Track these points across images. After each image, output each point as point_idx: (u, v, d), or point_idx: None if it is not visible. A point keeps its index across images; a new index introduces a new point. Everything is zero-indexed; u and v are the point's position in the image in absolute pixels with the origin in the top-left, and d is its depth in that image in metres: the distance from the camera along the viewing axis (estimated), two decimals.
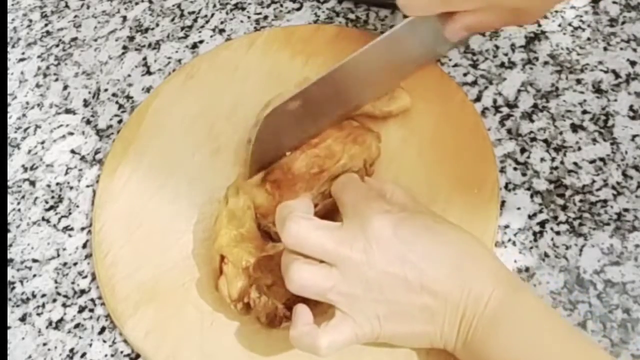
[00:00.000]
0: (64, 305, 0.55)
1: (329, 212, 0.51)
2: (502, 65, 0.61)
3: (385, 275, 0.43)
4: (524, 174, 0.55)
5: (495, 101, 0.59)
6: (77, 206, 0.61)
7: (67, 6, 0.76)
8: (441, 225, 0.46)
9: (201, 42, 0.69)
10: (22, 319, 0.55)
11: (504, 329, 0.42)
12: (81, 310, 0.55)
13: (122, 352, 0.52)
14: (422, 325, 0.44)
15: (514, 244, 0.52)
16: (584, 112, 0.58)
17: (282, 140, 0.54)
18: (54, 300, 0.56)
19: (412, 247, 0.44)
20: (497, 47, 0.62)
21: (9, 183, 0.63)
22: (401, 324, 0.44)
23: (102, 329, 0.54)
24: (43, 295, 0.56)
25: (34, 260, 0.58)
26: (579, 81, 0.59)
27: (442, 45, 0.53)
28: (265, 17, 0.70)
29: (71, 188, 0.62)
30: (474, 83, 0.61)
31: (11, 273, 0.58)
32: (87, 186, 0.62)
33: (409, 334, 0.45)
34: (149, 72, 0.68)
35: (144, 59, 0.69)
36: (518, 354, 0.42)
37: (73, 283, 0.56)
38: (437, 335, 0.44)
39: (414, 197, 0.49)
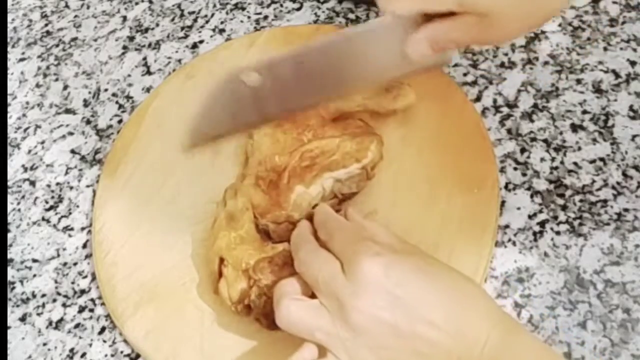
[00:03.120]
0: (64, 305, 0.55)
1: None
2: (502, 65, 0.61)
3: (374, 321, 0.42)
4: (524, 174, 0.55)
5: (495, 101, 0.59)
6: (77, 206, 0.61)
7: (67, 6, 0.76)
8: (433, 267, 0.44)
9: (201, 42, 0.69)
10: (22, 319, 0.55)
11: None
12: (81, 310, 0.55)
13: (122, 352, 0.52)
14: None
15: (514, 244, 0.52)
16: (584, 112, 0.58)
17: (237, 115, 0.49)
18: (54, 300, 0.56)
19: (404, 290, 0.42)
20: (497, 47, 0.62)
21: (9, 183, 0.63)
22: None
23: (102, 329, 0.54)
24: (43, 295, 0.56)
25: (34, 260, 0.58)
26: (579, 81, 0.59)
27: (405, 65, 0.51)
28: (265, 17, 0.70)
29: (71, 188, 0.62)
30: (474, 83, 0.61)
31: (11, 273, 0.58)
32: (87, 186, 0.62)
33: None
34: (149, 72, 0.68)
35: (144, 59, 0.69)
36: None
37: (73, 283, 0.56)
38: None
39: (398, 236, 0.47)
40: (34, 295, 0.56)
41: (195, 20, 0.71)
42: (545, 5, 0.43)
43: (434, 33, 0.44)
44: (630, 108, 0.57)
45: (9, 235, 0.60)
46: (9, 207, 0.62)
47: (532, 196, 0.54)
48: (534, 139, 0.57)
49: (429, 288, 0.43)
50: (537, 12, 0.43)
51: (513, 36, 0.45)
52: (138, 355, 0.52)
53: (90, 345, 0.53)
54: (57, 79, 0.70)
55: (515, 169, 0.55)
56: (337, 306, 0.43)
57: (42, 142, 0.66)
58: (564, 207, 0.53)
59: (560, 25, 0.63)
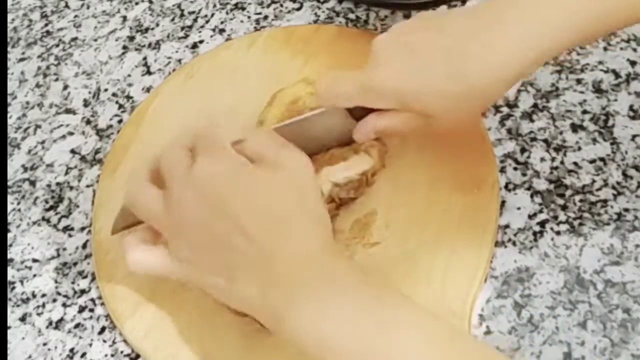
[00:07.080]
0: (64, 305, 0.55)
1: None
2: None
3: (192, 208, 0.42)
4: (524, 174, 0.55)
5: (495, 101, 0.59)
6: (77, 206, 0.61)
7: (67, 6, 0.76)
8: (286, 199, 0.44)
9: (201, 42, 0.69)
10: (22, 319, 0.55)
11: (311, 301, 0.39)
12: (81, 310, 0.55)
13: (122, 352, 0.52)
14: (222, 278, 0.42)
15: (514, 244, 0.52)
16: (584, 112, 0.58)
17: None
18: (54, 300, 0.56)
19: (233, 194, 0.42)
20: None
21: (9, 183, 0.63)
22: (202, 272, 0.43)
23: (102, 329, 0.54)
24: (43, 295, 0.56)
25: (34, 260, 0.58)
26: (579, 81, 0.59)
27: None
28: (265, 17, 0.70)
29: (71, 188, 0.62)
30: None
31: (11, 273, 0.58)
32: (87, 186, 0.62)
33: (211, 285, 0.43)
34: (149, 72, 0.68)
35: (144, 59, 0.69)
36: (322, 331, 0.38)
37: (73, 283, 0.56)
38: (240, 295, 0.42)
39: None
40: (34, 295, 0.56)
41: (195, 20, 0.71)
42: (478, 104, 0.47)
43: (378, 123, 0.49)
44: (630, 108, 0.57)
45: (9, 235, 0.60)
46: (9, 207, 0.62)
47: (532, 196, 0.54)
48: (534, 139, 0.57)
49: (265, 205, 0.43)
50: (471, 110, 0.48)
51: (451, 130, 0.49)
52: (138, 355, 0.52)
53: (90, 345, 0.53)
54: (57, 79, 0.70)
55: (515, 169, 0.55)
56: (173, 188, 0.44)
57: (42, 142, 0.66)
58: (564, 207, 0.53)
59: None
